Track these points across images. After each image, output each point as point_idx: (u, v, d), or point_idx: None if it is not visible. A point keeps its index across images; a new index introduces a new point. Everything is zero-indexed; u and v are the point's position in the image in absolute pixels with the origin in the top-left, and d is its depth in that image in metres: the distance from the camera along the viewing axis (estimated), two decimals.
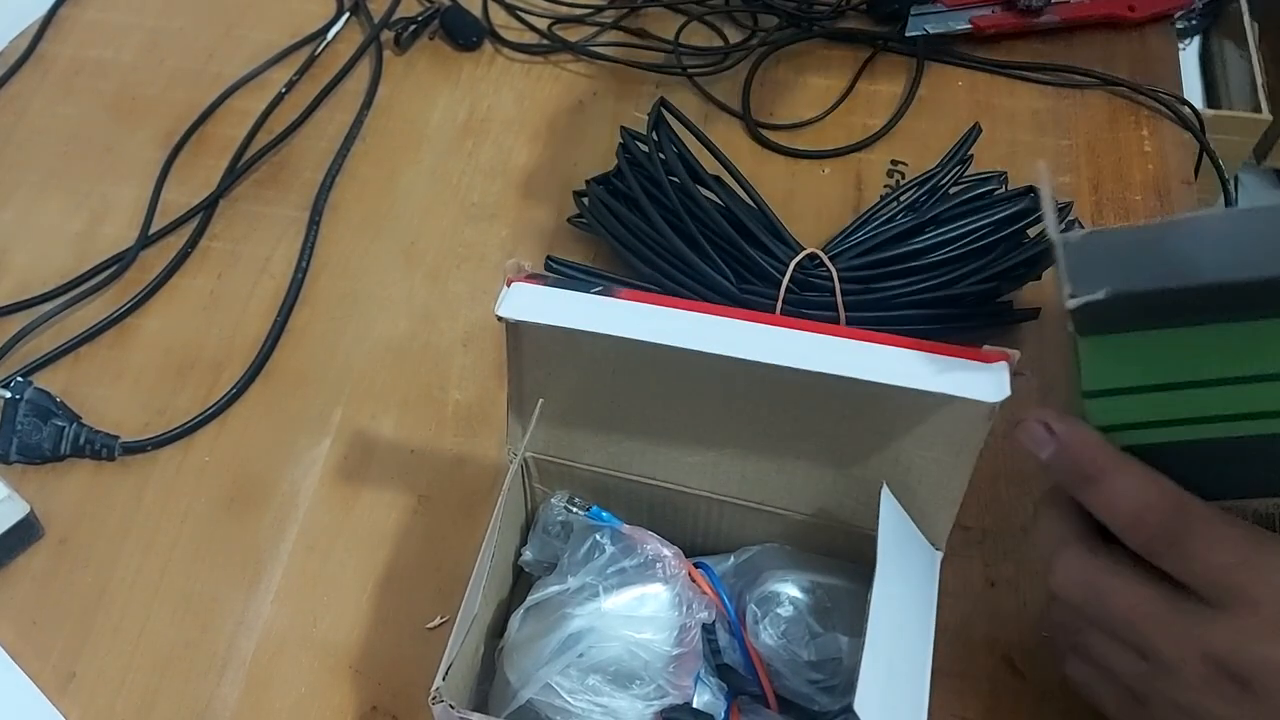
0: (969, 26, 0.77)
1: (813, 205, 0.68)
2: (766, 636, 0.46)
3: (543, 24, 0.78)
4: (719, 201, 0.59)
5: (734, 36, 0.78)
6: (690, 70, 0.76)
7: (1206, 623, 0.37)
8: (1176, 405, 0.38)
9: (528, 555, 0.50)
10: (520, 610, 0.47)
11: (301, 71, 0.75)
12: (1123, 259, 0.35)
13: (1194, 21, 0.85)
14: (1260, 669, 0.36)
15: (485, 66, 0.77)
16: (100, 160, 0.71)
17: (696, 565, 0.48)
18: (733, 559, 0.49)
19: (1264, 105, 1.34)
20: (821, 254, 0.57)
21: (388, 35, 0.77)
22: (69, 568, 0.55)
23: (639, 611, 0.45)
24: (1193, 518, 0.38)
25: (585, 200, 0.66)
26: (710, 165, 0.61)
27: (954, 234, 0.58)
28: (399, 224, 0.68)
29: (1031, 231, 0.59)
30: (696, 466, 0.47)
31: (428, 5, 0.79)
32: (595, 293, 0.42)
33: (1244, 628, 0.36)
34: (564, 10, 0.79)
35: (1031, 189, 0.60)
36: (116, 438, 0.58)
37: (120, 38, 0.78)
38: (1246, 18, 1.36)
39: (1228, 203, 0.75)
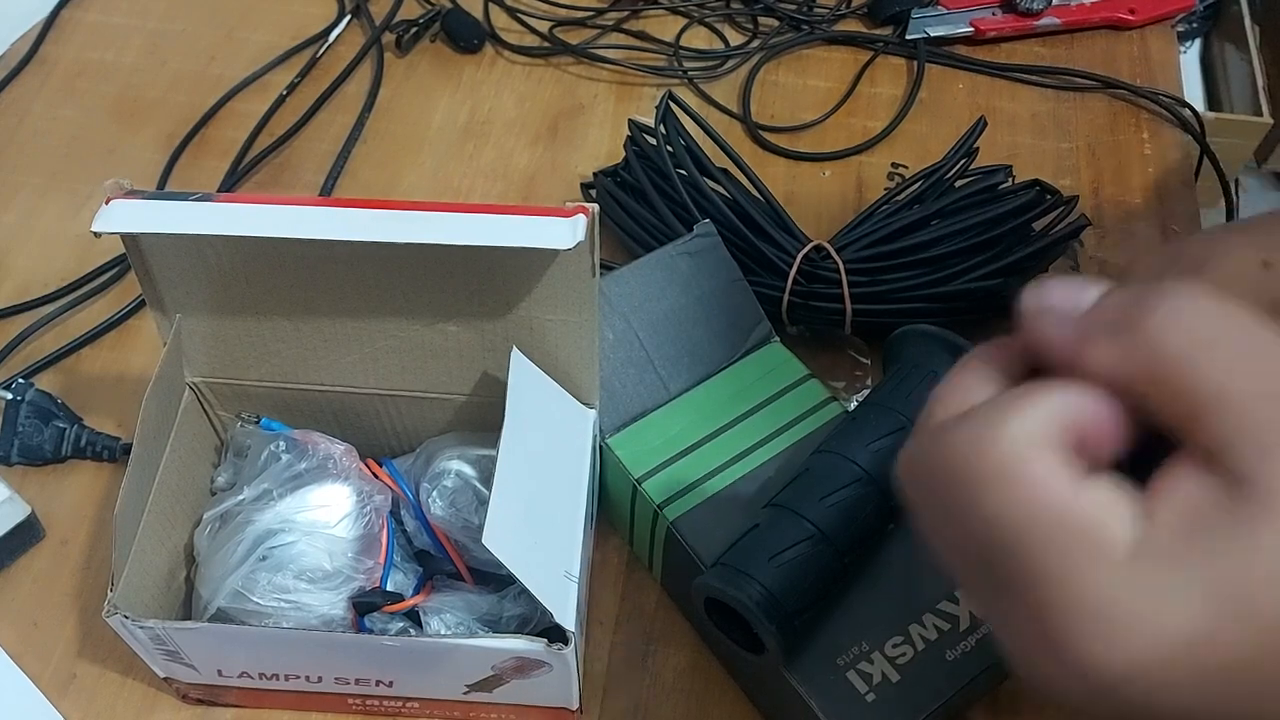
0: (969, 29, 0.77)
1: (813, 207, 0.68)
2: (437, 509, 0.49)
3: (543, 26, 0.78)
4: (726, 194, 0.60)
5: (734, 39, 0.78)
6: (690, 73, 0.76)
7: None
8: (702, 461, 0.49)
9: (220, 480, 0.51)
10: (204, 528, 0.49)
11: (303, 74, 0.75)
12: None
13: (1194, 24, 0.85)
14: None
15: (486, 69, 0.77)
16: (102, 162, 0.71)
17: (380, 463, 0.51)
18: (414, 453, 0.52)
19: (1265, 108, 1.34)
20: (828, 246, 0.57)
21: (389, 38, 0.77)
22: (70, 569, 0.55)
23: (316, 507, 0.47)
24: None
25: (593, 192, 0.66)
26: (717, 159, 0.61)
27: (960, 226, 0.58)
28: None
29: (1038, 225, 0.59)
30: (357, 365, 0.49)
31: (429, 7, 0.79)
32: (195, 200, 0.42)
33: None
34: (564, 13, 0.79)
35: (1037, 182, 0.60)
36: (118, 439, 0.58)
37: (122, 40, 0.78)
38: (1247, 20, 1.36)
39: (1228, 205, 0.75)
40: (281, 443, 0.49)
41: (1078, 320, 0.27)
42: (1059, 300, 0.28)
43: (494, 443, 0.44)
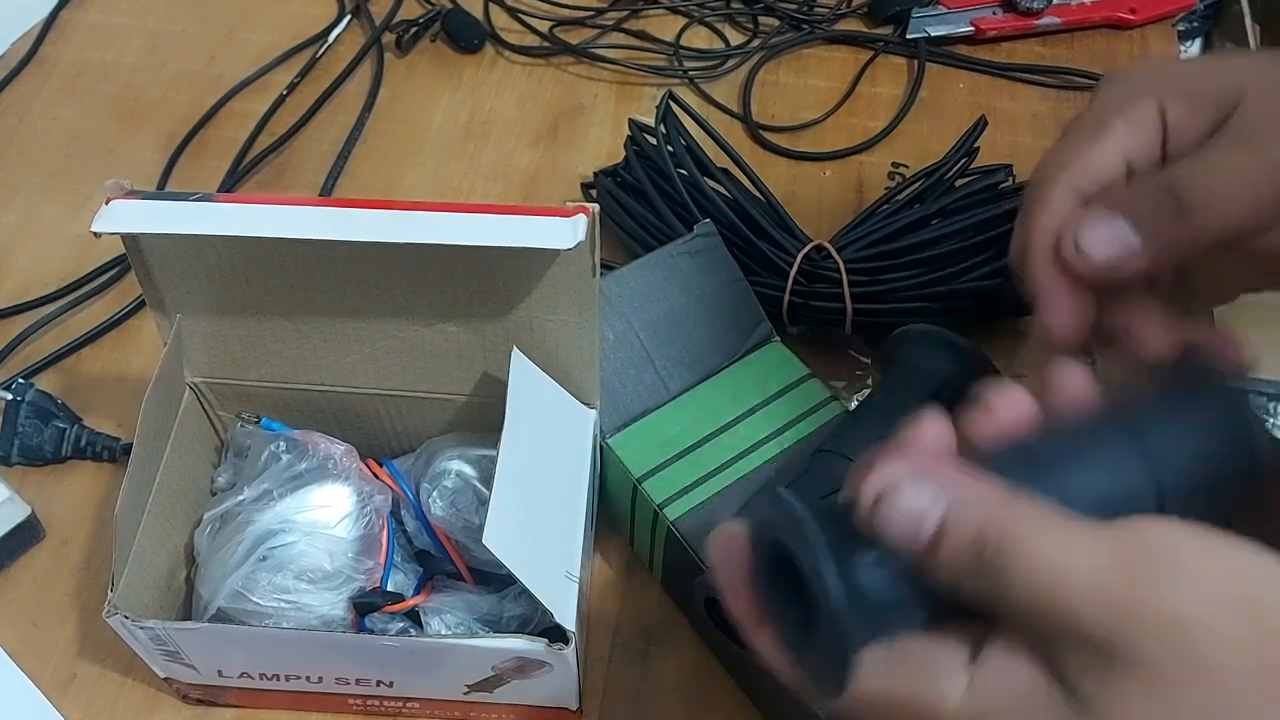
0: (970, 28, 0.77)
1: (813, 207, 0.68)
2: (438, 509, 0.49)
3: (544, 26, 0.78)
4: (726, 194, 0.60)
5: (735, 39, 0.78)
6: (691, 72, 0.76)
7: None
8: (702, 461, 0.49)
9: (220, 480, 0.52)
10: (204, 528, 0.49)
11: (303, 74, 0.75)
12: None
13: (1195, 24, 0.85)
14: None
15: (486, 69, 0.77)
16: (102, 162, 0.71)
17: (380, 463, 0.51)
18: (414, 453, 0.52)
19: None
20: (829, 245, 0.57)
21: (389, 38, 0.77)
22: (70, 569, 0.55)
23: (316, 507, 0.47)
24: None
25: (593, 192, 0.66)
26: (717, 159, 0.61)
27: (961, 225, 0.58)
28: None
29: None
30: (358, 365, 0.49)
31: (429, 7, 0.79)
32: (195, 200, 0.42)
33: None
34: (565, 13, 0.79)
35: None
36: (118, 440, 0.58)
37: (122, 40, 0.78)
38: (1248, 20, 1.36)
39: None
40: (282, 443, 0.49)
41: (926, 540, 0.28)
42: (906, 509, 0.28)
43: (494, 443, 0.43)
